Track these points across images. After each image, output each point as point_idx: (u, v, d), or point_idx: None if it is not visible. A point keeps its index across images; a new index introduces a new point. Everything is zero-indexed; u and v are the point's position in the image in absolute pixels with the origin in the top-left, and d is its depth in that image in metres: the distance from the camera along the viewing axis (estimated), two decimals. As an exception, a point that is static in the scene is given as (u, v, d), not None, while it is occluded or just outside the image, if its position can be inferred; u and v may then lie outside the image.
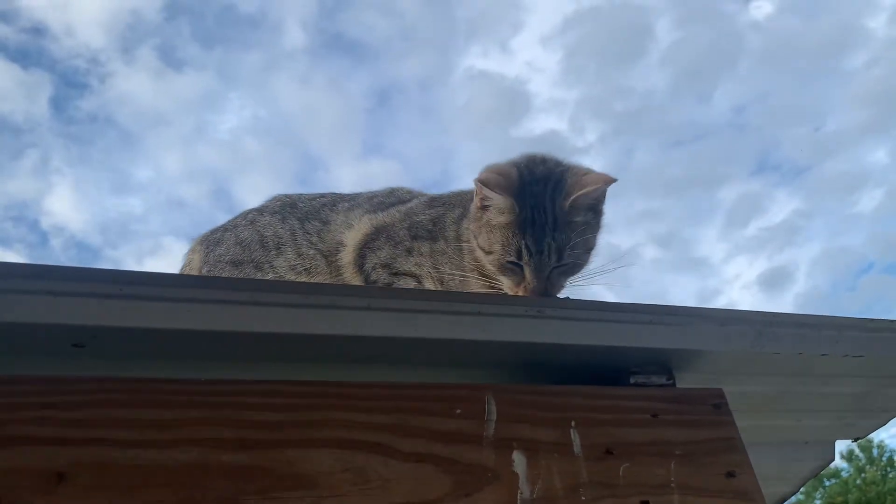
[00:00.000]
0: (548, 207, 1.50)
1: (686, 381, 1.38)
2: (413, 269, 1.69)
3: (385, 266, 1.72)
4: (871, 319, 1.42)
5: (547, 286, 1.49)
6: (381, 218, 1.87)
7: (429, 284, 1.64)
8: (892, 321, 1.42)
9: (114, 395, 1.00)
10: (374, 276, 1.73)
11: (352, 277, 1.80)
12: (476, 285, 1.54)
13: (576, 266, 1.56)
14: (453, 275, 1.61)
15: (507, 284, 1.52)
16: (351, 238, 1.83)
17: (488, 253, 1.54)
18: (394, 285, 1.69)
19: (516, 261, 1.50)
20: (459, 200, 1.81)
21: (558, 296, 1.52)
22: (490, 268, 1.55)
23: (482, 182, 1.52)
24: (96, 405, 0.99)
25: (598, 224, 1.61)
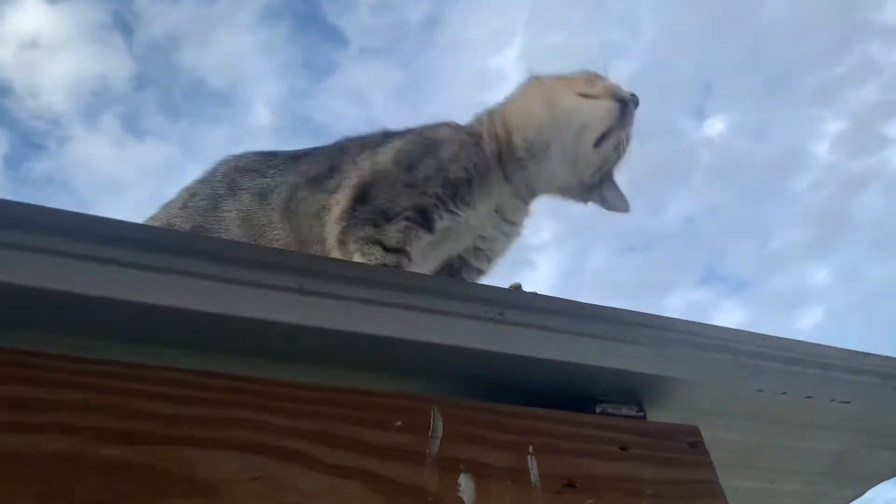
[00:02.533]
0: None
1: (657, 417, 1.22)
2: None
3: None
4: (866, 354, 1.29)
5: None
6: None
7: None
8: (886, 357, 1.28)
9: (-30, 367, 0.81)
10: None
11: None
12: None
13: None
14: None
15: None
16: None
17: None
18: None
19: None
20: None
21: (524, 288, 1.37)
22: None
23: None
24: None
25: None
